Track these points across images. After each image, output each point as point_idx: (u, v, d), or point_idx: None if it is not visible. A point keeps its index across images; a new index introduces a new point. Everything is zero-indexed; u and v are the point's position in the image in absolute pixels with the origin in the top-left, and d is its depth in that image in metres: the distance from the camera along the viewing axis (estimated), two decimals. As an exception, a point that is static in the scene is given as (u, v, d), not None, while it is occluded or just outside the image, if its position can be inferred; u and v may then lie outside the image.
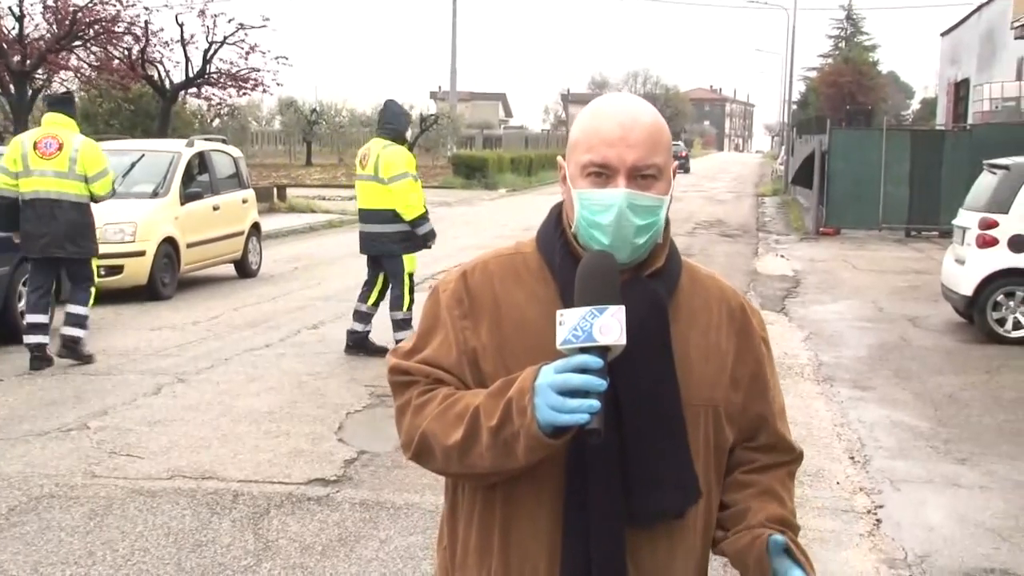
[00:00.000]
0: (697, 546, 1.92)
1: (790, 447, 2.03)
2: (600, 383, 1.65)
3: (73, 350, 8.72)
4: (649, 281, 1.86)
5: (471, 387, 1.87)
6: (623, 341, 1.68)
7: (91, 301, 8.90)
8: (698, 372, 1.87)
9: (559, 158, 1.97)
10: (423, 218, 8.93)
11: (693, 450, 1.85)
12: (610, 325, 1.67)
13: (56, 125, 8.76)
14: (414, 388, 1.91)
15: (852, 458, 6.63)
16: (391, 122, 8.98)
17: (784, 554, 1.82)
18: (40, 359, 8.56)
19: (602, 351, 1.68)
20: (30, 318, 8.66)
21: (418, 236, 8.97)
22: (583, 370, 1.66)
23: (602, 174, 1.81)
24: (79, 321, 8.77)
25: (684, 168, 50.44)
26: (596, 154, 1.81)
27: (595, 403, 1.65)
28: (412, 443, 1.89)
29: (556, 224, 1.93)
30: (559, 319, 1.71)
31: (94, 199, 8.78)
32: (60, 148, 8.60)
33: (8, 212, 8.69)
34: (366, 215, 8.99)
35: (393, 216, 8.87)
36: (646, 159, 1.80)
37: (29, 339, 8.61)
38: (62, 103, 9.14)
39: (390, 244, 8.94)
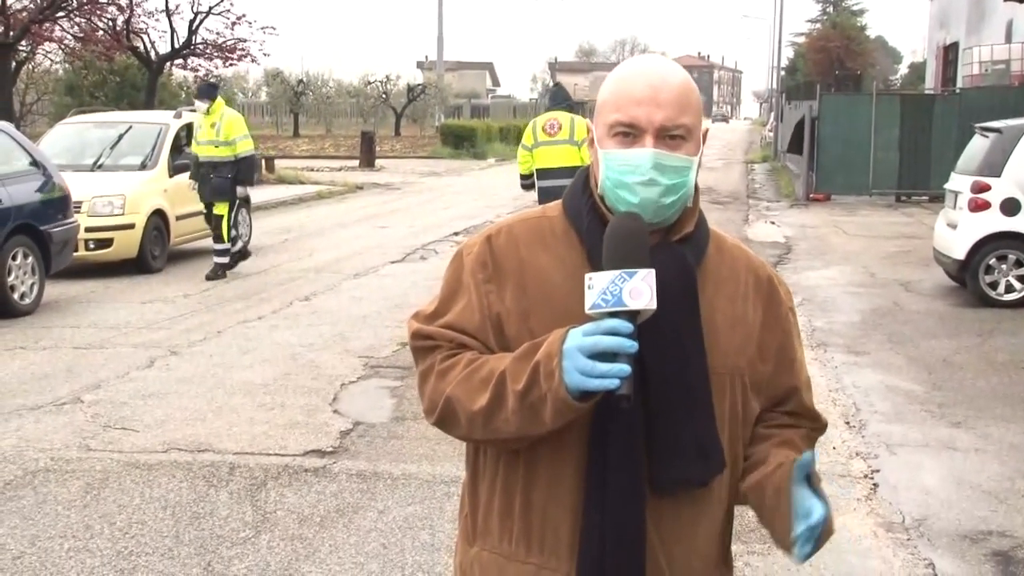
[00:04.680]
0: (721, 515, 1.91)
1: (815, 416, 2.01)
2: (632, 344, 1.62)
3: None
4: (678, 246, 1.83)
5: (495, 352, 1.84)
6: (653, 306, 1.64)
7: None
8: (724, 340, 1.85)
9: (587, 121, 1.94)
10: None
11: (718, 419, 1.83)
12: (640, 289, 1.64)
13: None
14: (437, 353, 1.87)
15: (848, 423, 6.64)
16: (567, 100, 10.88)
17: (804, 483, 1.78)
18: None
19: (631, 315, 1.64)
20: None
21: None
22: (613, 334, 1.63)
23: (629, 134, 1.78)
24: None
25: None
26: (624, 113, 1.78)
27: (626, 368, 1.61)
28: (436, 409, 1.85)
29: (584, 187, 1.90)
30: (588, 282, 1.67)
31: None
32: None
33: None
34: (559, 172, 10.29)
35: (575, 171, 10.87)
36: (675, 119, 1.77)
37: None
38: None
39: None
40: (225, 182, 11.71)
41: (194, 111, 15.61)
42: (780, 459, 1.86)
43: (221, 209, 11.78)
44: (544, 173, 10.59)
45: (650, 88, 1.78)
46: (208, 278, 11.65)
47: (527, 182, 11.22)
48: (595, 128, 1.86)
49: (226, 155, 11.63)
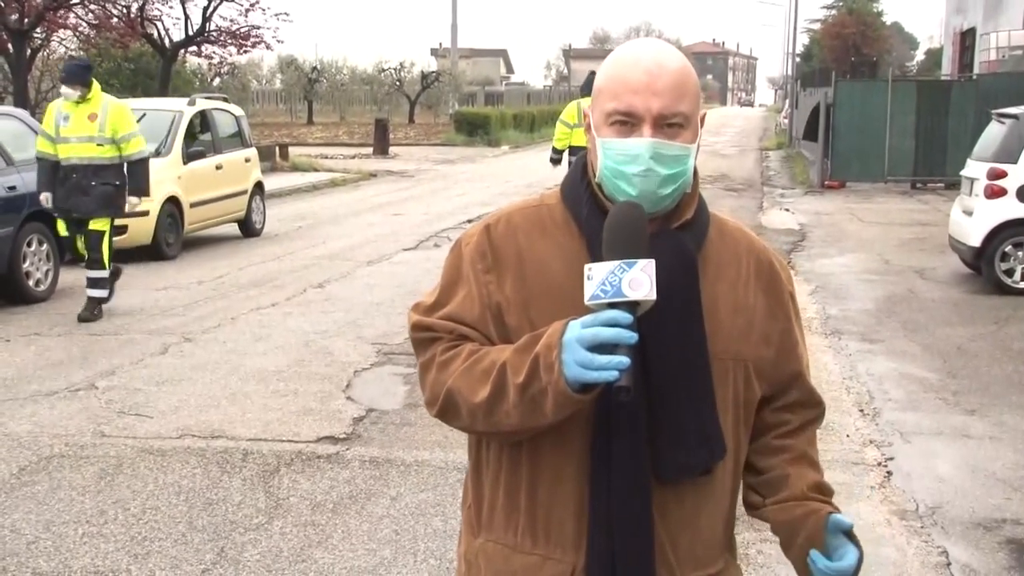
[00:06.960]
0: (724, 502, 1.90)
1: (817, 401, 2.01)
2: (631, 335, 1.60)
3: None
4: (677, 233, 1.81)
5: (495, 342, 1.82)
6: (653, 296, 1.62)
7: None
8: (726, 326, 1.83)
9: (585, 107, 1.92)
10: None
11: (721, 406, 1.82)
12: (640, 279, 1.62)
13: None
14: (438, 344, 1.86)
15: (861, 411, 6.62)
16: None
17: (843, 534, 1.80)
18: None
19: (631, 306, 1.63)
20: None
21: None
22: (612, 325, 1.61)
23: (627, 123, 1.75)
24: None
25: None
26: (621, 102, 1.75)
27: (625, 360, 1.59)
28: (437, 401, 1.84)
29: (582, 175, 1.87)
30: (587, 273, 1.65)
31: None
32: None
33: None
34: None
35: None
36: (672, 107, 1.74)
37: None
38: None
39: None
40: (113, 191, 9.01)
41: (209, 98, 15.67)
42: (802, 491, 1.87)
43: (101, 224, 9.00)
44: (580, 150, 11.83)
45: (647, 75, 1.74)
46: (81, 319, 8.87)
47: (557, 156, 13.19)
48: (592, 115, 1.83)
49: (110, 156, 8.95)
